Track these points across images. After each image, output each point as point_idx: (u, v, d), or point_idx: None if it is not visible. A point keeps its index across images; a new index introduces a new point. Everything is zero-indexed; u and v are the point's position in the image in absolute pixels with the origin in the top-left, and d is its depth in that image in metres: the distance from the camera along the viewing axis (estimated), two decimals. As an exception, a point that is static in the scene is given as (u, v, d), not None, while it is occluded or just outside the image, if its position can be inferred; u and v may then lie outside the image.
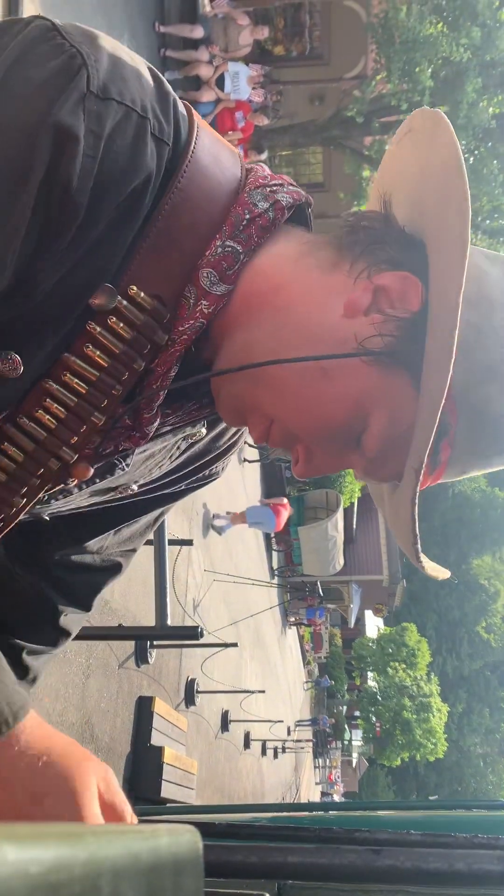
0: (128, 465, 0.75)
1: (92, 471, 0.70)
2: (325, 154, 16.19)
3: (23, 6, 2.85)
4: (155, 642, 4.95)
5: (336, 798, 30.74)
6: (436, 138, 0.64)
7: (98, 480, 0.75)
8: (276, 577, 16.93)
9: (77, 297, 0.61)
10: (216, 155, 0.66)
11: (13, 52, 0.56)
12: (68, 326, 0.62)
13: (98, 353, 0.63)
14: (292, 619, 22.49)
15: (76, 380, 0.64)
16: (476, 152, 9.90)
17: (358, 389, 0.65)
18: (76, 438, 0.66)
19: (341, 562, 15.88)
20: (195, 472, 0.90)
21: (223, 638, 6.38)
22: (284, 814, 3.08)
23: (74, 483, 0.72)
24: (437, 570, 0.72)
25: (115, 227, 0.59)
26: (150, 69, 0.64)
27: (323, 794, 32.55)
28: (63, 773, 0.54)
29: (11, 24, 0.59)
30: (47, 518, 0.81)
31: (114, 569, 0.98)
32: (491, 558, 32.35)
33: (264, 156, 10.40)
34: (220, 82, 9.08)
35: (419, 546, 0.64)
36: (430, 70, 9.20)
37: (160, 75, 0.65)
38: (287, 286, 0.67)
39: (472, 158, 9.90)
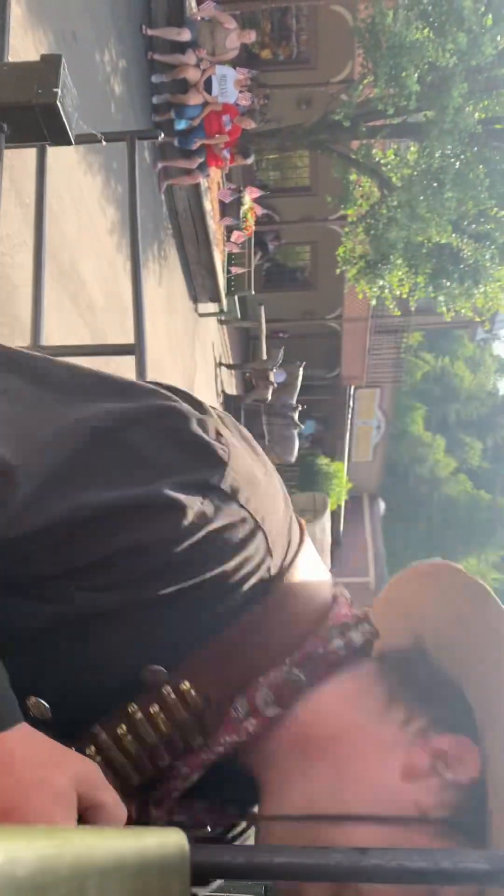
0: None
1: None
2: (312, 158, 16.25)
3: (9, 8, 2.84)
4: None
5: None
6: (478, 598, 0.64)
7: None
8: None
9: (131, 663, 0.60)
10: (310, 584, 0.67)
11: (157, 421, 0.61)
12: (113, 693, 0.60)
13: (130, 738, 0.61)
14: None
15: (99, 758, 0.61)
16: (462, 157, 9.96)
17: None
18: None
19: (328, 565, 15.91)
20: None
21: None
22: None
23: None
24: None
25: (186, 610, 0.59)
26: (284, 497, 0.67)
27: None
28: (27, 793, 0.48)
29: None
30: None
31: None
32: (477, 561, 32.50)
33: (251, 159, 10.40)
34: (207, 85, 9.08)
35: None
36: (416, 75, 9.25)
37: (293, 514, 0.68)
38: (344, 737, 0.65)
39: (458, 163, 9.96)
